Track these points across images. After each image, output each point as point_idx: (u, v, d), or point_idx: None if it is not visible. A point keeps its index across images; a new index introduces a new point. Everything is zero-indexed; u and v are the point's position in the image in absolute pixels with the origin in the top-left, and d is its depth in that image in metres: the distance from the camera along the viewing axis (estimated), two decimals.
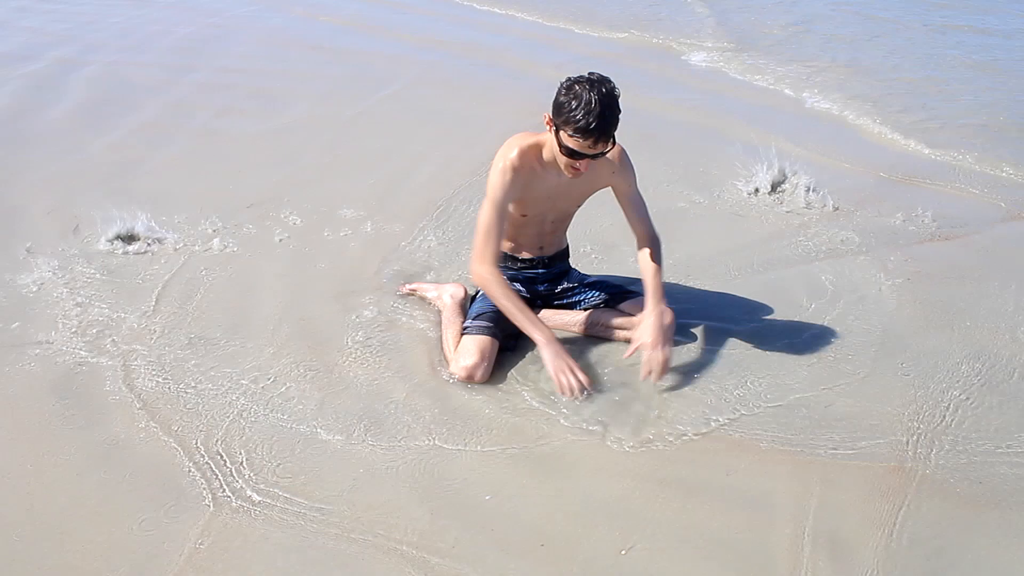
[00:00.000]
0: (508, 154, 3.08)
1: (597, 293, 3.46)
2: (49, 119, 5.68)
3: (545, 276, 3.45)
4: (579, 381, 3.02)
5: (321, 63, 7.08)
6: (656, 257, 3.24)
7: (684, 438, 2.90)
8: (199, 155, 5.19)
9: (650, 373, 3.05)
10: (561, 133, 2.91)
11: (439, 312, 3.52)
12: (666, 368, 3.06)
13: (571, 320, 3.44)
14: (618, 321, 3.38)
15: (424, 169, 5.04)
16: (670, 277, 3.84)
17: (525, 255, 3.42)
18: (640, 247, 3.28)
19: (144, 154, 5.17)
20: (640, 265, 3.26)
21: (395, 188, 4.79)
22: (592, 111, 2.81)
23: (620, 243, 4.15)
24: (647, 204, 3.31)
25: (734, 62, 7.35)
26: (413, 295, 3.68)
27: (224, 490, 2.63)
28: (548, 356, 3.04)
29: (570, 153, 2.92)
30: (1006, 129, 5.82)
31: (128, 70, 6.71)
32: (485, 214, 3.10)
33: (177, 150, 5.26)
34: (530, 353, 3.31)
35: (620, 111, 2.89)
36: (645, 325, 3.08)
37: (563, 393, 3.02)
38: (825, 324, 3.55)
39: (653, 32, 8.27)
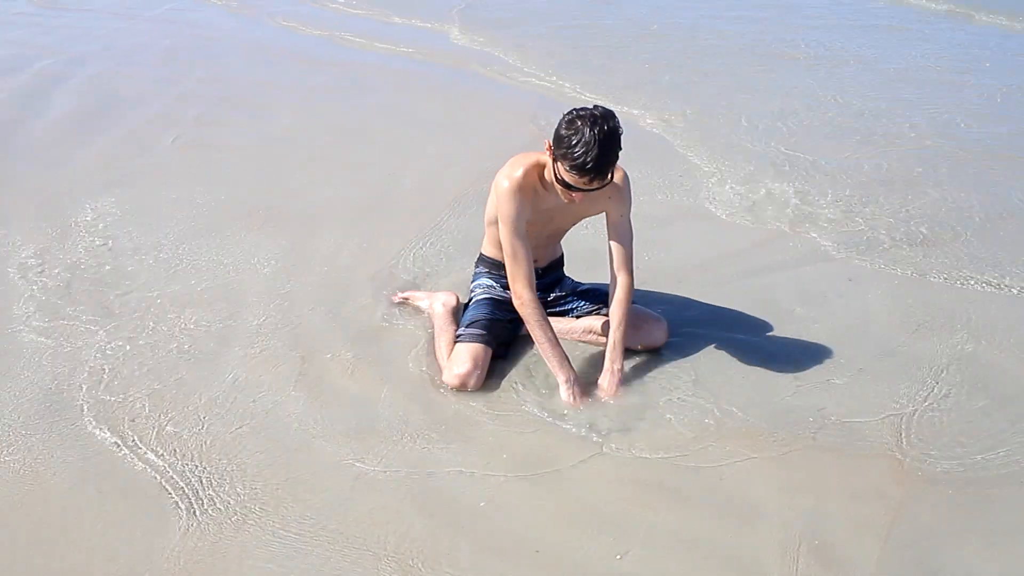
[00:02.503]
0: (513, 174, 3.07)
1: (589, 302, 3.47)
2: (33, 131, 5.64)
3: (538, 285, 3.44)
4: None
5: (304, 73, 7.09)
6: (626, 307, 3.22)
7: (677, 444, 2.92)
8: (185, 166, 5.17)
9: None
10: (559, 164, 2.90)
11: (432, 320, 3.52)
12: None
13: (564, 328, 3.45)
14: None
15: (412, 177, 5.05)
16: (662, 282, 3.88)
17: None
18: (613, 287, 3.24)
19: (130, 165, 5.15)
20: (610, 309, 3.25)
21: (384, 197, 4.80)
22: (590, 150, 2.78)
23: None
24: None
25: None
26: (406, 304, 3.68)
27: (213, 501, 2.62)
28: (565, 395, 3.10)
29: (565, 185, 2.93)
30: None
31: (112, 82, 6.69)
32: (508, 239, 3.10)
33: (163, 161, 5.25)
34: (523, 361, 3.33)
35: (620, 148, 2.86)
36: (605, 381, 3.17)
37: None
38: (814, 329, 3.57)
39: None
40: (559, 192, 3.00)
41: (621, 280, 3.23)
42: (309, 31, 8.31)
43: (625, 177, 3.17)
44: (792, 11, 9.41)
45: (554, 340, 3.13)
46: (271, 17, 8.78)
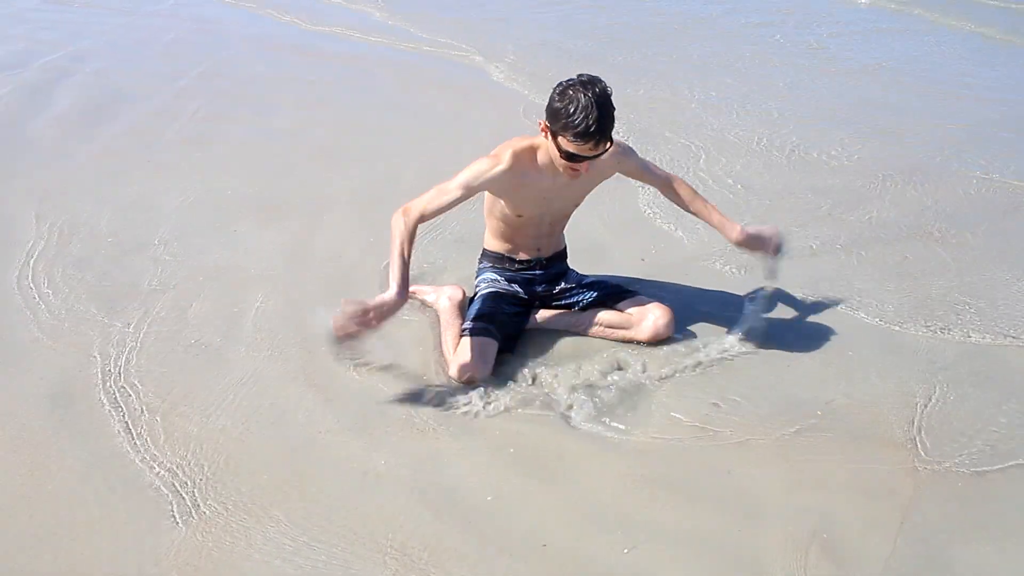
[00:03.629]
0: (502, 154, 3.07)
1: (595, 293, 3.46)
2: (37, 126, 5.63)
3: (543, 277, 3.45)
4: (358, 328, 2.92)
5: (307, 67, 7.07)
6: (700, 196, 3.33)
7: (685, 438, 2.91)
8: (188, 161, 5.16)
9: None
10: (560, 138, 2.89)
11: (438, 314, 3.50)
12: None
13: (570, 321, 3.44)
14: (617, 320, 3.38)
15: (418, 171, 5.02)
16: (670, 273, 3.87)
17: (523, 256, 3.41)
18: (685, 202, 3.31)
19: (133, 160, 5.14)
20: (696, 211, 3.31)
21: (389, 190, 4.76)
22: (590, 114, 2.80)
23: (614, 243, 4.17)
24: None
25: None
26: (412, 298, 3.66)
27: (219, 497, 2.62)
28: (384, 303, 2.94)
29: (569, 157, 2.91)
30: None
31: (115, 77, 6.67)
32: (449, 181, 3.06)
33: (166, 156, 5.23)
34: (530, 354, 3.31)
35: (614, 108, 2.89)
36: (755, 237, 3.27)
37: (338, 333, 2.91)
38: (823, 323, 3.56)
39: None
40: (563, 168, 2.99)
41: (677, 184, 3.32)
42: (312, 27, 8.27)
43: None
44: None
45: (404, 255, 3.01)
46: (274, 11, 8.76)
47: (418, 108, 6.17)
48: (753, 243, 3.29)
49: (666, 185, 3.32)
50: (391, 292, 2.96)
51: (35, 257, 3.96)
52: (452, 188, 3.06)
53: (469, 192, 3.07)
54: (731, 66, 7.24)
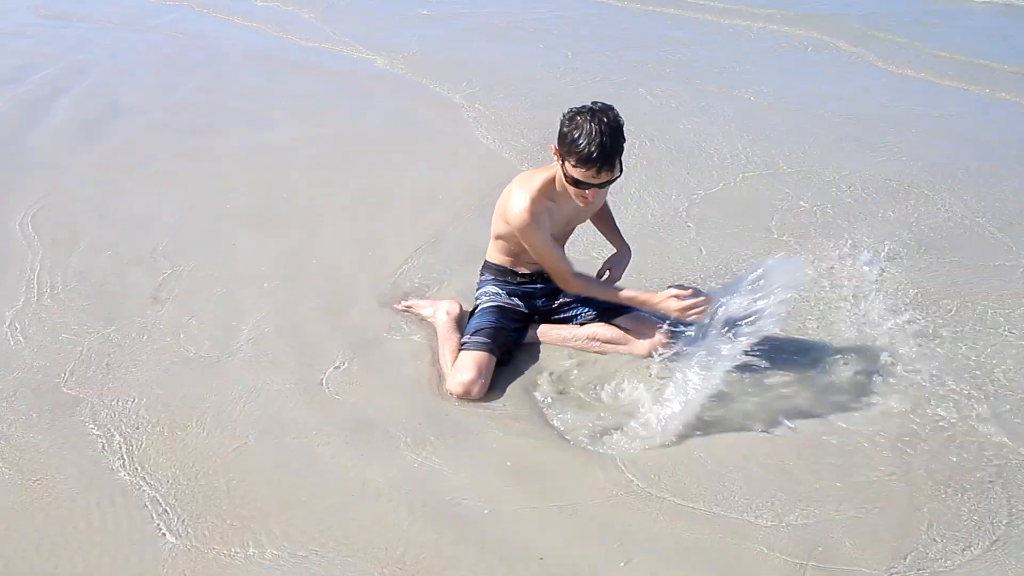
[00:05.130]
0: (523, 206, 3.13)
1: (592, 308, 3.48)
2: (34, 140, 5.65)
3: (542, 291, 3.47)
4: (699, 302, 3.09)
5: (303, 82, 7.10)
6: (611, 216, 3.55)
7: (684, 453, 2.91)
8: (185, 174, 5.17)
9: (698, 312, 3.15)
10: (566, 163, 2.94)
11: (435, 328, 3.52)
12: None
13: (568, 335, 3.46)
14: (614, 336, 3.40)
15: (414, 185, 5.05)
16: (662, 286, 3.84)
17: (523, 270, 3.44)
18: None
19: (130, 173, 5.16)
20: (612, 264, 3.49)
21: (387, 204, 4.79)
22: (594, 140, 2.84)
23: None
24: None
25: None
26: (409, 312, 3.68)
27: (217, 510, 2.62)
28: (672, 306, 3.12)
29: (576, 183, 2.95)
30: None
31: (112, 91, 6.70)
32: (542, 258, 3.25)
33: (162, 169, 5.24)
34: (526, 369, 3.33)
35: (624, 139, 2.92)
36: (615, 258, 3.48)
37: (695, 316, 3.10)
38: (818, 333, 3.57)
39: None
40: (573, 195, 3.03)
41: (617, 239, 3.53)
42: (308, 42, 8.32)
43: None
44: None
45: (616, 292, 3.27)
46: (270, 28, 8.81)
47: (416, 121, 6.20)
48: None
49: (611, 228, 3.54)
50: (657, 302, 3.15)
51: (34, 270, 3.97)
52: (549, 253, 3.23)
53: (549, 237, 3.22)
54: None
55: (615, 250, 3.53)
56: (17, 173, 5.11)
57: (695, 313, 3.07)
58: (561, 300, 3.51)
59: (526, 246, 3.21)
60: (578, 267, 3.33)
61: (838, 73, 7.49)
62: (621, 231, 3.56)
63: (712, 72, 7.39)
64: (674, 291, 3.11)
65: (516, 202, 3.14)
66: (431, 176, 5.20)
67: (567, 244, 3.45)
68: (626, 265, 3.48)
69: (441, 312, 3.53)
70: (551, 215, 3.17)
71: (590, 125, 2.84)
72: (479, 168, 5.25)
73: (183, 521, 2.56)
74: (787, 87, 7.05)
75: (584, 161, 2.86)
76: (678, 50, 8.05)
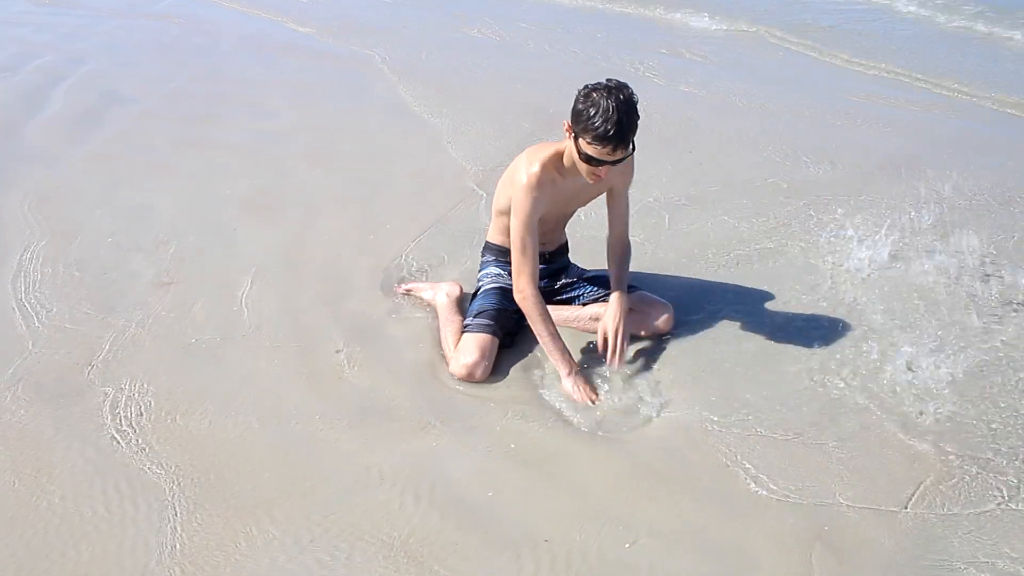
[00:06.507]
0: (531, 170, 3.07)
1: (596, 288, 3.46)
2: (31, 129, 5.63)
3: (546, 272, 3.45)
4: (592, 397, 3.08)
5: (302, 69, 7.06)
6: (627, 258, 3.35)
7: (687, 434, 2.90)
8: (184, 162, 5.15)
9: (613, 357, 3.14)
10: (580, 140, 2.91)
11: (436, 311, 3.51)
12: (623, 352, 3.16)
13: (571, 316, 3.44)
14: None
15: (414, 171, 5.02)
16: (668, 267, 3.88)
17: None
18: (614, 246, 3.35)
19: (128, 162, 5.13)
20: (609, 256, 3.35)
21: (386, 190, 4.77)
22: (610, 118, 2.81)
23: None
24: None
25: None
26: (409, 295, 3.67)
27: (221, 496, 2.62)
28: (568, 387, 3.10)
29: (589, 160, 2.92)
30: None
31: (109, 79, 6.67)
32: (520, 234, 3.11)
33: (160, 157, 5.22)
34: (530, 352, 3.31)
35: (639, 117, 2.89)
36: (609, 311, 3.20)
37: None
38: (824, 318, 3.55)
39: None
40: (584, 172, 3.00)
41: (624, 236, 3.36)
42: (304, 29, 8.26)
43: None
44: None
45: (555, 334, 3.14)
46: (270, 14, 8.75)
47: (415, 105, 6.16)
48: (617, 315, 3.22)
49: (618, 230, 3.35)
50: (564, 374, 3.11)
51: (33, 259, 3.96)
52: (528, 238, 3.11)
53: (535, 224, 3.12)
54: None
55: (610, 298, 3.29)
56: (15, 162, 5.09)
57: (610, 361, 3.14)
58: (564, 281, 3.49)
59: (513, 217, 3.12)
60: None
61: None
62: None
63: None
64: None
65: (523, 165, 3.11)
66: (430, 159, 5.17)
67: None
68: (620, 319, 3.22)
69: (441, 295, 3.52)
70: (555, 187, 3.13)
71: (606, 102, 2.81)
72: (478, 151, 5.21)
73: (188, 508, 2.57)
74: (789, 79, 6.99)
75: (600, 139, 2.84)
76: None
